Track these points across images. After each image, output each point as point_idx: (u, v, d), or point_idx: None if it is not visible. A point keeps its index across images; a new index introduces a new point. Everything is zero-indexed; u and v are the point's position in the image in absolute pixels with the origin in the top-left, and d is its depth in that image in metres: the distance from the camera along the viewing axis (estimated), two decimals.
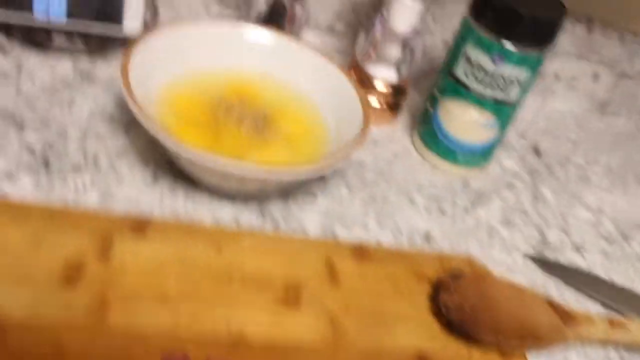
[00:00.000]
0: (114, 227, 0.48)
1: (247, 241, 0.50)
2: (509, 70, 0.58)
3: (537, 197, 0.67)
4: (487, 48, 0.57)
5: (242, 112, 0.55)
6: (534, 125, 0.78)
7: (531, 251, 0.60)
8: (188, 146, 0.46)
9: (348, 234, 0.55)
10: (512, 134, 0.74)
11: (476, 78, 0.59)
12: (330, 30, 0.76)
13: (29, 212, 0.47)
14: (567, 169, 0.72)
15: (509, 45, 0.56)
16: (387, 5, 0.63)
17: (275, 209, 0.55)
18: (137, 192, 0.52)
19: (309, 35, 0.76)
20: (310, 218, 0.55)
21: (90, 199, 0.50)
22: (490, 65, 0.58)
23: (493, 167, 0.68)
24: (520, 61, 0.57)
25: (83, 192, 0.50)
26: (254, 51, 0.60)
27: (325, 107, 0.59)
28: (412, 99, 0.73)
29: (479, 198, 0.64)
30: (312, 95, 0.59)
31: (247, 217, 0.53)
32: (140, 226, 0.48)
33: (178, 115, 0.54)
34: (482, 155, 0.64)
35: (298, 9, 0.64)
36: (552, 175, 0.70)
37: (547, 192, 0.68)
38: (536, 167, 0.71)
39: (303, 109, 0.59)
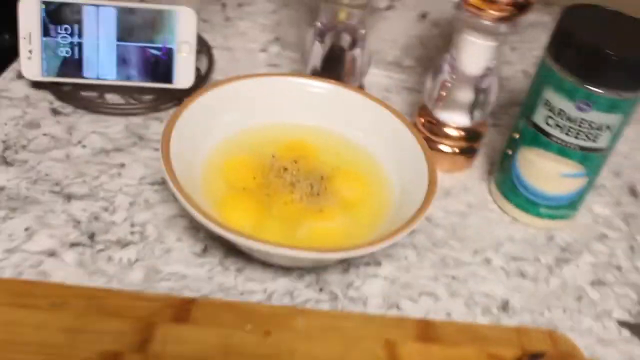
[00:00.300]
0: (156, 312, 0.44)
1: (300, 321, 0.46)
2: (597, 117, 0.51)
3: (634, 248, 0.59)
4: (569, 93, 0.51)
5: (296, 175, 0.51)
6: (631, 160, 0.69)
7: (627, 317, 0.53)
8: (230, 231, 0.42)
9: (414, 307, 0.49)
10: (604, 172, 0.66)
11: (558, 126, 0.52)
12: (398, 65, 0.71)
13: (69, 296, 0.44)
14: None
15: (595, 91, 0.50)
16: (455, 44, 0.57)
17: (334, 280, 0.50)
18: (184, 266, 0.49)
19: (375, 72, 0.71)
20: (372, 289, 0.50)
21: (135, 276, 0.47)
22: (574, 112, 0.51)
23: (582, 215, 0.61)
24: (609, 107, 0.50)
25: (128, 268, 0.48)
26: (309, 103, 0.55)
27: (388, 162, 0.54)
28: (490, 138, 0.66)
29: (566, 254, 0.57)
30: (373, 151, 0.55)
31: (302, 291, 0.49)
32: (183, 309, 0.45)
33: (227, 179, 0.51)
34: (568, 206, 0.57)
35: (358, 52, 0.59)
36: None
37: None
38: (633, 212, 0.63)
39: (363, 166, 0.54)
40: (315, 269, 0.50)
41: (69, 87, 0.59)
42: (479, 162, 0.64)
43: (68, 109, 0.59)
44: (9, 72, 0.61)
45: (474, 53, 0.56)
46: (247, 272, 0.49)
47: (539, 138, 0.54)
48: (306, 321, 0.46)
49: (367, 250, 0.44)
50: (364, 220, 0.50)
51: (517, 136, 0.57)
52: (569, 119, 0.52)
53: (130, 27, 0.57)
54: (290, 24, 0.70)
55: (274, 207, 0.49)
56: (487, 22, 0.54)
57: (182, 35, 0.58)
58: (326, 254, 0.43)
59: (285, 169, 0.52)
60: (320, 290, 0.49)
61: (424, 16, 0.68)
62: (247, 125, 0.54)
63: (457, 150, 0.61)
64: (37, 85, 0.60)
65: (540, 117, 0.53)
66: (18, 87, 0.60)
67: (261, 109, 0.55)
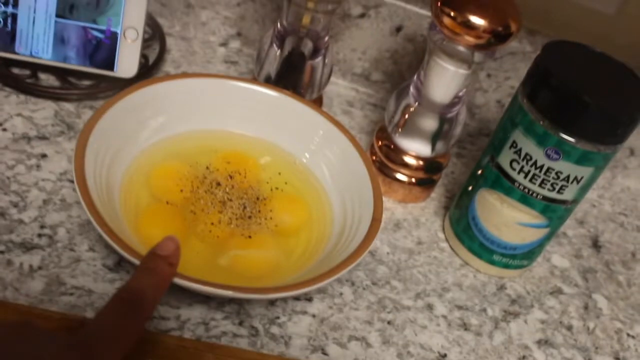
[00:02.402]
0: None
1: (209, 359, 0.41)
2: (566, 168, 0.46)
3: (588, 307, 0.55)
4: (540, 139, 0.46)
5: (229, 192, 0.46)
6: (597, 209, 0.65)
7: None
8: (135, 256, 0.37)
9: (341, 352, 0.45)
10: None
11: (523, 171, 0.48)
12: (366, 79, 0.66)
13: None
14: (632, 270, 0.60)
15: (568, 140, 0.45)
16: (424, 68, 0.52)
17: (257, 313, 0.45)
18: (92, 281, 0.43)
19: (340, 82, 0.66)
20: (298, 327, 0.45)
21: (34, 287, 0.42)
22: (543, 160, 0.47)
23: (538, 264, 0.57)
24: (581, 159, 0.46)
25: (28, 277, 0.42)
26: (256, 113, 0.50)
27: (332, 188, 0.49)
28: (453, 168, 0.62)
29: (515, 307, 0.53)
30: (318, 173, 0.50)
31: (219, 322, 0.44)
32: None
33: (152, 189, 0.45)
34: (524, 256, 0.53)
35: (319, 62, 0.54)
36: (611, 279, 0.58)
37: (602, 302, 0.56)
38: (592, 266, 0.59)
39: (305, 190, 0.49)
40: (237, 299, 0.45)
41: None
42: (437, 194, 0.59)
43: None
44: None
45: (444, 79, 0.51)
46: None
47: (501, 181, 0.50)
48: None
49: (289, 293, 0.40)
50: (298, 251, 0.45)
51: (479, 172, 0.52)
52: (536, 165, 0.47)
53: (72, 2, 0.52)
54: (254, 19, 0.64)
55: (199, 227, 0.44)
56: (461, 48, 0.49)
57: (130, 19, 0.53)
58: (239, 293, 0.38)
59: (219, 184, 0.46)
60: (240, 323, 0.44)
61: (398, 29, 0.63)
62: (184, 130, 0.49)
63: (413, 181, 0.56)
64: None
65: (505, 159, 0.49)
66: None
67: (201, 113, 0.50)
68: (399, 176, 0.56)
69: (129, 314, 0.35)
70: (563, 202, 0.49)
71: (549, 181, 0.47)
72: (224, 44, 0.65)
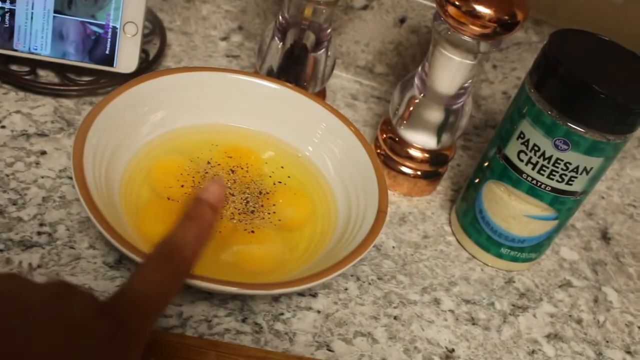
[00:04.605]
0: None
1: (212, 357, 0.40)
2: (575, 159, 0.45)
3: (598, 300, 0.54)
4: (549, 129, 0.45)
5: (231, 187, 0.45)
6: (606, 200, 0.64)
7: None
8: (135, 252, 0.36)
9: (346, 349, 0.44)
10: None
11: (531, 162, 0.47)
12: (369, 71, 0.65)
13: None
14: None
15: (577, 129, 0.44)
16: (429, 59, 0.51)
17: (260, 309, 0.44)
18: (92, 278, 0.43)
19: (343, 75, 0.65)
20: (303, 323, 0.45)
21: None
22: (552, 150, 0.46)
23: (547, 257, 0.56)
24: (590, 149, 0.45)
25: (27, 276, 0.42)
26: (257, 107, 0.49)
27: (336, 182, 0.48)
28: (459, 161, 0.61)
29: (523, 301, 0.52)
30: (322, 167, 0.49)
31: (222, 319, 0.43)
32: None
33: (153, 184, 0.45)
34: (533, 249, 0.52)
35: (321, 54, 0.53)
36: (621, 271, 0.57)
37: (612, 295, 0.55)
38: (602, 259, 0.58)
39: (308, 184, 0.48)
40: (240, 296, 0.45)
41: None
42: (443, 187, 0.58)
43: None
44: None
45: (449, 70, 0.50)
46: None
47: (508, 173, 0.49)
48: (219, 357, 0.41)
49: (293, 289, 0.39)
50: (302, 245, 0.45)
51: (486, 164, 0.51)
52: (544, 156, 0.46)
53: None
54: (256, 13, 0.63)
55: None
56: (466, 38, 0.48)
57: (129, 14, 0.52)
58: (243, 289, 0.37)
59: (219, 179, 0.46)
60: (244, 320, 0.44)
61: (402, 21, 0.62)
62: (184, 124, 0.48)
63: (419, 173, 0.55)
64: None
65: (512, 150, 0.48)
66: None
67: (202, 107, 0.49)
68: (404, 169, 0.55)
69: (171, 274, 0.31)
70: (572, 193, 0.48)
71: (557, 172, 0.46)
72: (225, 38, 0.64)
